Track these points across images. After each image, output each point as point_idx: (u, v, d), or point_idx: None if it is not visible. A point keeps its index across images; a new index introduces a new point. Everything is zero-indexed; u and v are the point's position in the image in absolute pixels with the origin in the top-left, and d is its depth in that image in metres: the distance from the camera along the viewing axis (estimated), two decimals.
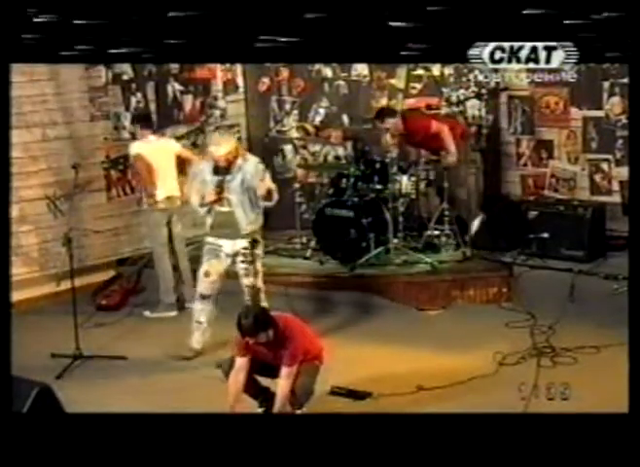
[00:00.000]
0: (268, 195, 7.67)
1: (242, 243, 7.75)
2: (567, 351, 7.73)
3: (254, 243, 7.63)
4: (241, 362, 6.59)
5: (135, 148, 8.94)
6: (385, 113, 9.74)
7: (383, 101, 10.33)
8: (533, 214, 9.34)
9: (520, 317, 8.51)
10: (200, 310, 7.98)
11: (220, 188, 7.71)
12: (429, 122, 9.67)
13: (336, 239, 9.48)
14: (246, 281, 7.80)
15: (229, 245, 7.84)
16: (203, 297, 7.95)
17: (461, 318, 8.70)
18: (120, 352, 8.15)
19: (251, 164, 7.75)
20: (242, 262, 7.75)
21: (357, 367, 7.66)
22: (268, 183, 7.70)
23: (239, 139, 10.81)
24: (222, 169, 7.73)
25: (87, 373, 7.82)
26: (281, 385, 6.53)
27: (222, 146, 7.70)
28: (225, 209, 7.79)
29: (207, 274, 7.91)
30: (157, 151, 8.91)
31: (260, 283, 7.83)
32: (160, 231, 9.05)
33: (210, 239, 7.93)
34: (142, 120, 9.23)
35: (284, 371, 6.51)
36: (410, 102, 10.22)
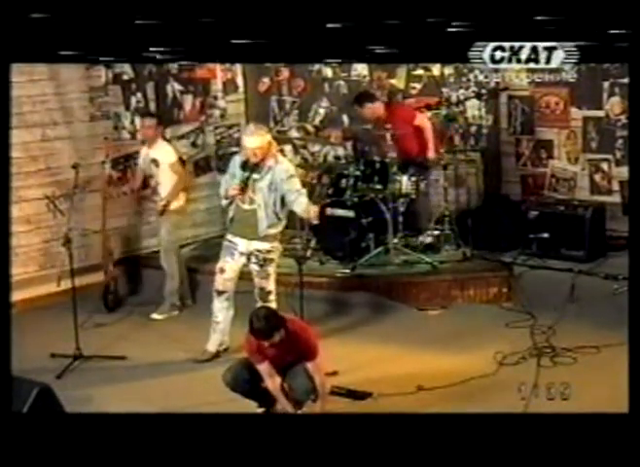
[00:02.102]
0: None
1: (257, 245, 7.76)
2: (567, 351, 7.74)
3: (269, 249, 7.73)
4: (265, 367, 6.59)
5: (172, 153, 9.02)
6: (364, 97, 9.72)
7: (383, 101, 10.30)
8: (533, 214, 9.33)
9: (521, 317, 8.51)
10: (218, 309, 7.99)
11: (244, 184, 7.64)
12: (414, 113, 9.66)
13: (336, 239, 9.48)
14: (257, 283, 7.83)
15: (243, 244, 7.82)
16: (218, 293, 7.97)
17: (461, 318, 8.69)
18: (120, 352, 8.16)
19: (282, 168, 7.67)
20: (255, 263, 7.77)
21: (357, 367, 7.66)
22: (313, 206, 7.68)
23: (238, 139, 10.86)
24: (251, 166, 7.64)
25: (87, 373, 7.83)
26: (318, 379, 6.57)
27: (253, 137, 7.59)
28: (247, 207, 7.74)
29: (222, 271, 7.92)
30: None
31: (270, 286, 7.85)
32: (179, 232, 9.23)
33: (228, 236, 7.92)
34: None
35: (310, 366, 6.54)
36: (410, 102, 10.20)
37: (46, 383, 5.91)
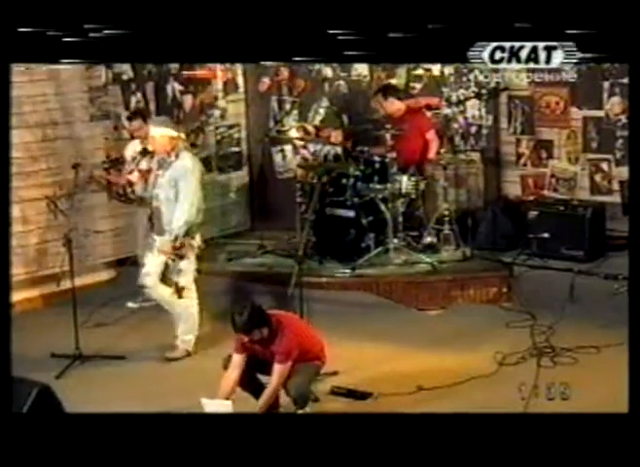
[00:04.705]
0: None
1: (167, 241, 7.88)
2: (567, 351, 7.74)
3: (177, 241, 7.85)
4: (237, 359, 6.62)
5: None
6: (392, 91, 9.75)
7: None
8: (533, 214, 9.32)
9: (520, 317, 8.51)
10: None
11: (136, 167, 8.09)
12: (430, 126, 9.69)
13: (336, 239, 9.48)
14: (174, 278, 8.01)
15: (158, 241, 7.97)
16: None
17: (461, 318, 8.69)
18: (120, 352, 8.16)
19: (181, 163, 7.85)
20: (169, 259, 7.92)
21: (357, 367, 7.66)
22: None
23: (238, 139, 10.89)
24: (147, 152, 8.02)
25: (87, 373, 7.83)
26: (271, 382, 6.54)
27: (157, 128, 7.92)
28: (155, 204, 7.97)
29: (147, 274, 8.09)
30: None
31: (183, 282, 8.02)
32: None
33: (152, 233, 8.12)
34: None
35: (276, 367, 6.52)
36: (410, 102, 10.18)
37: (46, 383, 5.91)
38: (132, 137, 9.23)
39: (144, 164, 8.06)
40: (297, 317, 7.14)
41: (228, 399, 6.55)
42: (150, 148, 7.98)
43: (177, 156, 7.85)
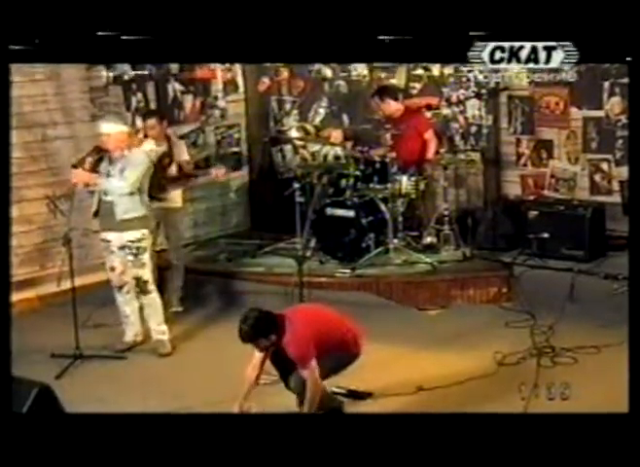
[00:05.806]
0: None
1: (128, 236, 7.94)
2: (567, 351, 7.74)
3: (140, 237, 7.93)
4: (257, 358, 6.60)
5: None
6: (388, 92, 9.74)
7: None
8: (533, 214, 9.32)
9: (520, 317, 8.51)
10: (122, 303, 8.24)
11: (92, 165, 7.99)
12: (428, 126, 9.69)
13: (336, 239, 9.48)
14: (134, 273, 8.05)
15: (115, 238, 8.01)
16: (118, 288, 8.21)
17: (461, 318, 8.69)
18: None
19: (134, 155, 7.92)
20: (129, 254, 7.98)
21: (357, 367, 7.65)
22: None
23: (238, 139, 10.90)
24: (103, 150, 7.97)
25: (87, 373, 7.83)
26: (307, 389, 6.45)
27: (105, 123, 8.00)
28: (109, 199, 7.96)
29: (112, 269, 8.16)
30: None
31: (147, 275, 8.05)
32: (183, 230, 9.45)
33: (101, 235, 8.16)
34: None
35: (304, 374, 6.45)
36: (410, 102, 10.19)
37: (46, 383, 5.91)
38: (146, 136, 9.19)
39: (93, 160, 8.06)
40: (313, 310, 6.95)
41: (247, 396, 6.59)
42: (104, 146, 7.98)
43: (130, 150, 7.95)
